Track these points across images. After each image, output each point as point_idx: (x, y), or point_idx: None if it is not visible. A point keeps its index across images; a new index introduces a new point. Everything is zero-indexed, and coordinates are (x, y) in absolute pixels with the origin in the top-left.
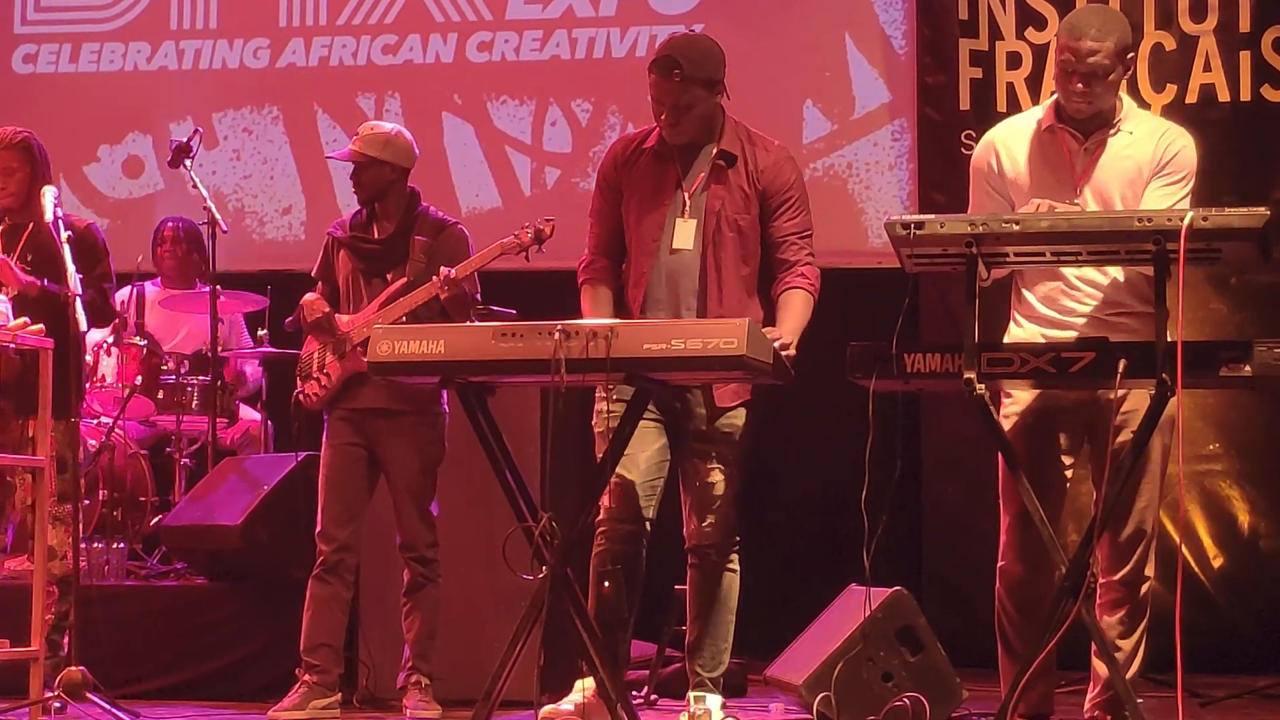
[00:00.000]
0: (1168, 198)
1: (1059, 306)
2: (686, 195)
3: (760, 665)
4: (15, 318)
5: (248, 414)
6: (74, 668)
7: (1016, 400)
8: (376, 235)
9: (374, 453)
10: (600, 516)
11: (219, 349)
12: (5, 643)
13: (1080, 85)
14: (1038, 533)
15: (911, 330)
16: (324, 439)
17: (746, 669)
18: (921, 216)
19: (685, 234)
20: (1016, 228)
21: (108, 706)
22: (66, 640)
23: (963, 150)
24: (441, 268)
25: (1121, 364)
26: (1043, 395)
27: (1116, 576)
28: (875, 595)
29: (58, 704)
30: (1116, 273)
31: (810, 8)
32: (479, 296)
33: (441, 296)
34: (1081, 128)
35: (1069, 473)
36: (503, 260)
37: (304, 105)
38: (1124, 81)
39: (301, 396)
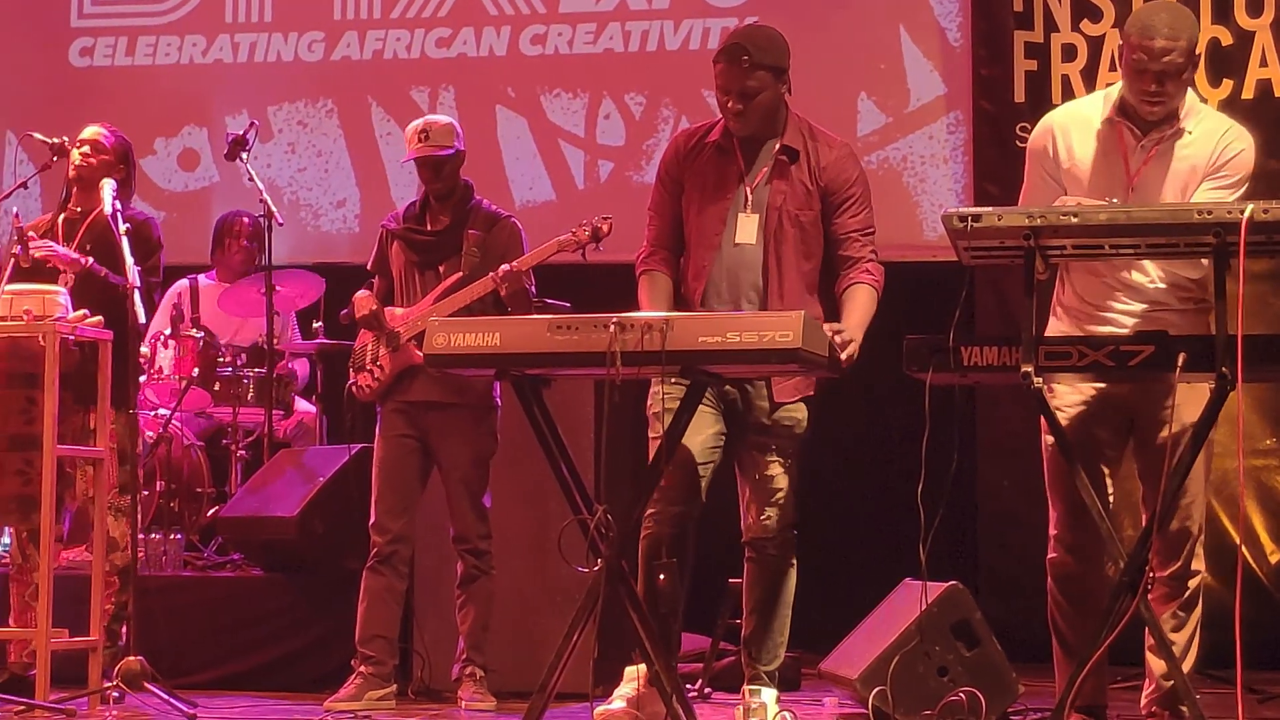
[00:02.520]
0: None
1: (1098, 302)
2: (749, 190)
3: (814, 659)
4: (74, 310)
5: (302, 406)
6: (132, 657)
7: (1057, 394)
8: (429, 227)
9: (427, 445)
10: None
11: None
12: (65, 632)
13: (1154, 85)
14: (1087, 525)
15: (966, 323)
16: (377, 431)
17: (800, 663)
18: (979, 209)
19: (748, 228)
20: (1075, 220)
21: (165, 696)
22: (125, 630)
23: (1018, 143)
24: (503, 264)
25: (1181, 357)
26: (1088, 389)
27: (1166, 572)
28: (930, 589)
29: (116, 693)
30: (1158, 274)
31: (864, 0)
32: (534, 290)
33: (502, 292)
34: (1140, 124)
35: (1111, 466)
36: (557, 254)
37: (358, 98)
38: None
39: (355, 388)
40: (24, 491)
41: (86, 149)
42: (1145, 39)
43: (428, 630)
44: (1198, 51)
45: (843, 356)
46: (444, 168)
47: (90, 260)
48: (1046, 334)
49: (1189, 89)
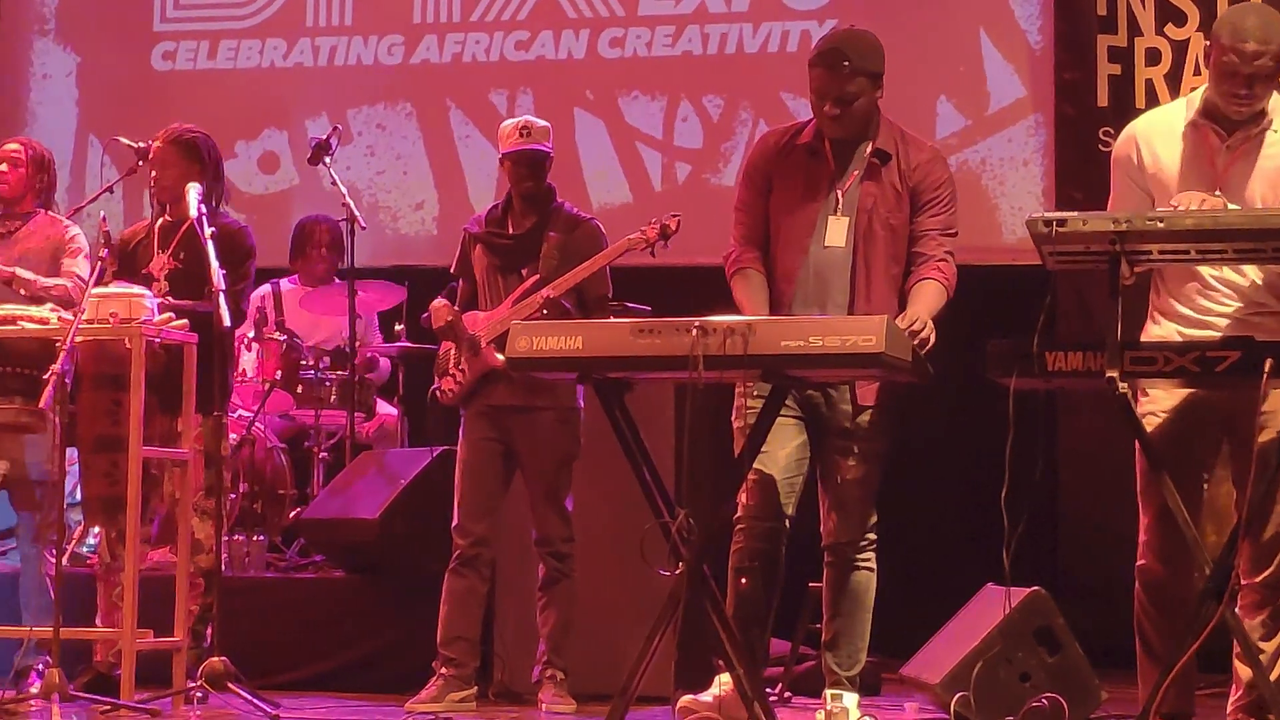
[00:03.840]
0: None
1: (1196, 306)
2: (840, 192)
3: (894, 664)
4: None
5: (384, 409)
6: (216, 658)
7: (1154, 399)
8: (511, 231)
9: (510, 448)
10: (739, 514)
11: (356, 345)
12: (150, 633)
13: (1244, 89)
14: (1178, 532)
15: (1046, 327)
16: (461, 434)
17: (881, 668)
18: (1064, 214)
19: (837, 231)
20: (1161, 225)
21: (248, 696)
22: (209, 631)
23: (1100, 147)
24: (545, 288)
25: (1268, 363)
26: (1181, 395)
27: (1258, 579)
28: (1013, 595)
29: (200, 694)
30: (1254, 273)
31: (944, 2)
32: (610, 294)
33: (544, 313)
34: (1225, 125)
35: (1207, 473)
36: (635, 257)
37: (437, 101)
38: None
39: (438, 392)
40: (110, 493)
41: (156, 177)
42: (1237, 42)
43: (509, 632)
44: None
45: (917, 339)
46: (542, 166)
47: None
48: (1143, 340)
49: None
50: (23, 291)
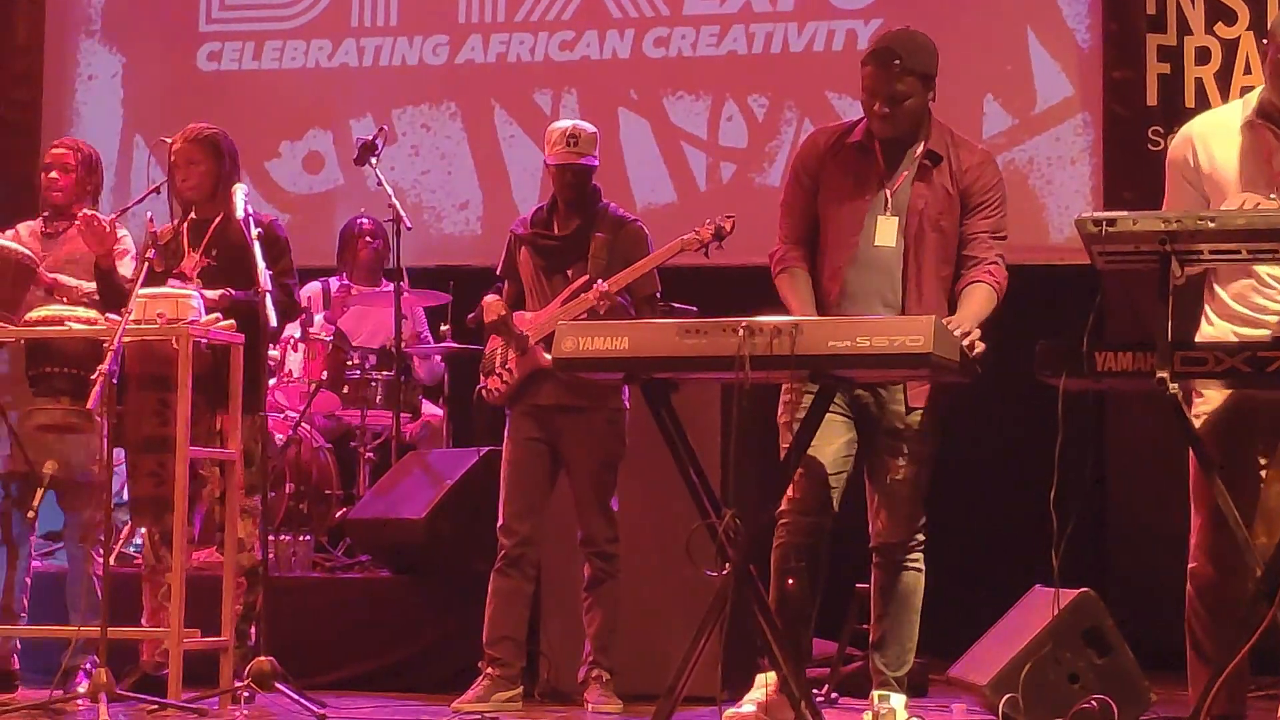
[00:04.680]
0: None
1: (1251, 304)
2: (889, 192)
3: (941, 665)
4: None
5: (429, 409)
6: (263, 658)
7: (1207, 400)
8: (557, 231)
9: (556, 448)
10: (783, 507)
11: (403, 344)
12: (196, 633)
13: None
14: (1230, 534)
15: (1095, 327)
16: (506, 434)
17: (928, 668)
18: (1113, 213)
19: (887, 231)
20: (1212, 225)
21: (295, 696)
22: (255, 630)
23: (1149, 146)
24: (598, 282)
25: None
26: (1235, 395)
27: None
28: (1062, 596)
29: (247, 693)
30: None
31: (992, 1)
32: (659, 294)
33: (600, 311)
34: None
35: (1259, 474)
36: (681, 257)
37: (482, 101)
38: None
39: (484, 392)
40: (157, 493)
41: (182, 177)
42: None
43: (554, 632)
44: None
45: (965, 343)
46: (587, 177)
47: (233, 291)
48: (1197, 339)
49: None
50: (64, 300)
